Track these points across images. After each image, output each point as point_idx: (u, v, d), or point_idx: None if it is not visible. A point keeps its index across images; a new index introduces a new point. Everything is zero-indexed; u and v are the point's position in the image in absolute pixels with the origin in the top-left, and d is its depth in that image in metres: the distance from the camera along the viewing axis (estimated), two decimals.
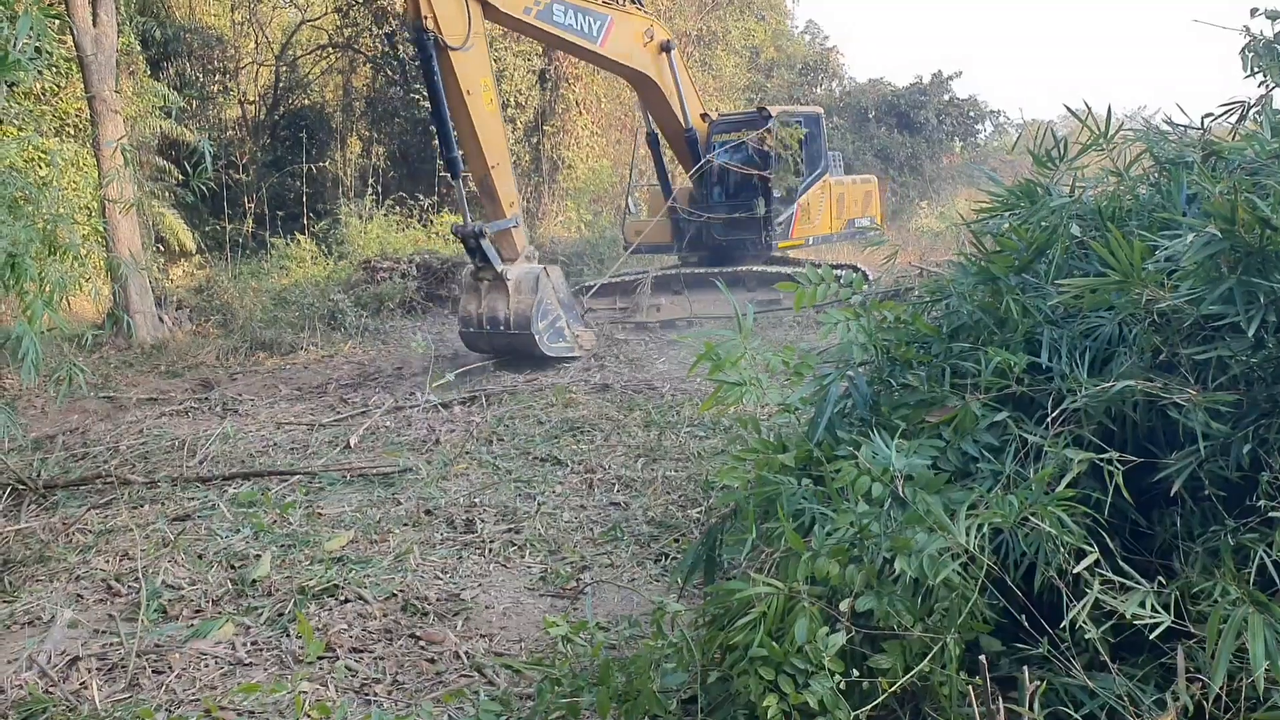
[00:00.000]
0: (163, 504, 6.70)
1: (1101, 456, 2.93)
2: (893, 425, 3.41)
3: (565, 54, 24.09)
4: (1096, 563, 2.76)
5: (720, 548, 3.99)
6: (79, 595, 5.23)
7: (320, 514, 6.43)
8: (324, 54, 26.96)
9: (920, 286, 4.56)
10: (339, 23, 26.01)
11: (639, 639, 4.30)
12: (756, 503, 3.50)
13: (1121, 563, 2.81)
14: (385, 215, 21.77)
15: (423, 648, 4.52)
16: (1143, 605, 2.65)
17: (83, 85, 14.45)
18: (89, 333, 8.67)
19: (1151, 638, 2.66)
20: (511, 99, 23.59)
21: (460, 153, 10.74)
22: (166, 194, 19.47)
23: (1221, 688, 2.53)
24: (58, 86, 17.34)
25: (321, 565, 5.44)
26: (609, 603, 4.98)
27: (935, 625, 2.89)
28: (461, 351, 13.13)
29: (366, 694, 4.12)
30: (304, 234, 21.31)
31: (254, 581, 5.24)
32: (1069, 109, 3.97)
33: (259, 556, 5.57)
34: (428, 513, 6.39)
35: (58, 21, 12.58)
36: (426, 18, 10.15)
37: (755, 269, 14.38)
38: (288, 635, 4.64)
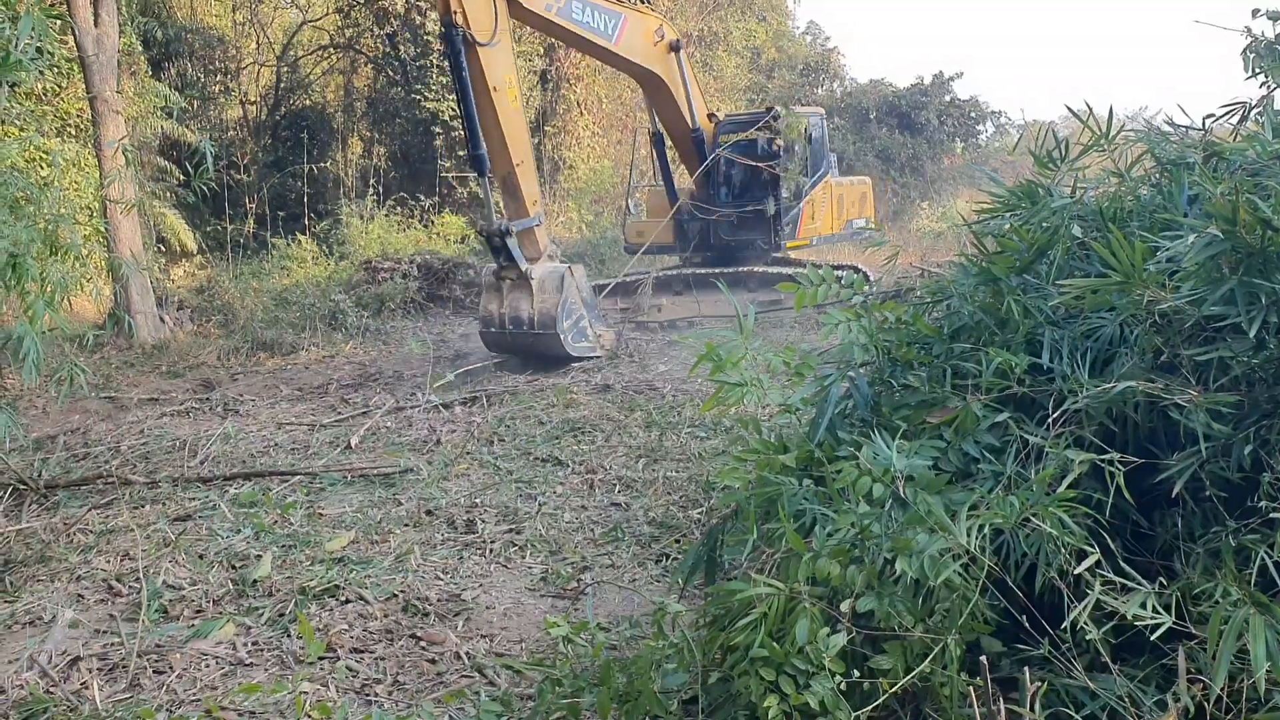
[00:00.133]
0: (164, 504, 6.71)
1: (1103, 457, 2.93)
2: (894, 426, 3.41)
3: (575, 54, 24.18)
4: (1097, 563, 2.75)
5: (721, 548, 3.99)
6: (80, 595, 5.23)
7: (321, 514, 6.43)
8: (325, 54, 26.98)
9: (921, 287, 4.55)
10: (340, 23, 26.03)
11: (640, 639, 4.30)
12: (757, 503, 3.50)
13: (1123, 564, 2.81)
14: (386, 216, 21.79)
15: (424, 648, 4.53)
16: (1144, 606, 2.65)
17: (84, 85, 14.44)
18: (90, 333, 8.68)
19: (1152, 639, 2.66)
20: None
21: (485, 150, 10.67)
22: (168, 194, 19.47)
23: (1222, 689, 2.53)
24: (59, 87, 17.34)
25: (322, 566, 5.45)
26: (610, 603, 4.98)
27: (936, 626, 2.89)
28: (463, 351, 13.14)
29: (367, 694, 4.12)
30: (305, 234, 21.32)
31: (255, 582, 5.24)
32: (1070, 110, 3.97)
33: (260, 557, 5.57)
34: (429, 513, 6.39)
35: (59, 22, 12.55)
36: (456, 13, 10.12)
37: (757, 269, 14.40)
38: (289, 635, 4.65)
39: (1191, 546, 2.96)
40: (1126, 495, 2.92)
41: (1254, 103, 4.06)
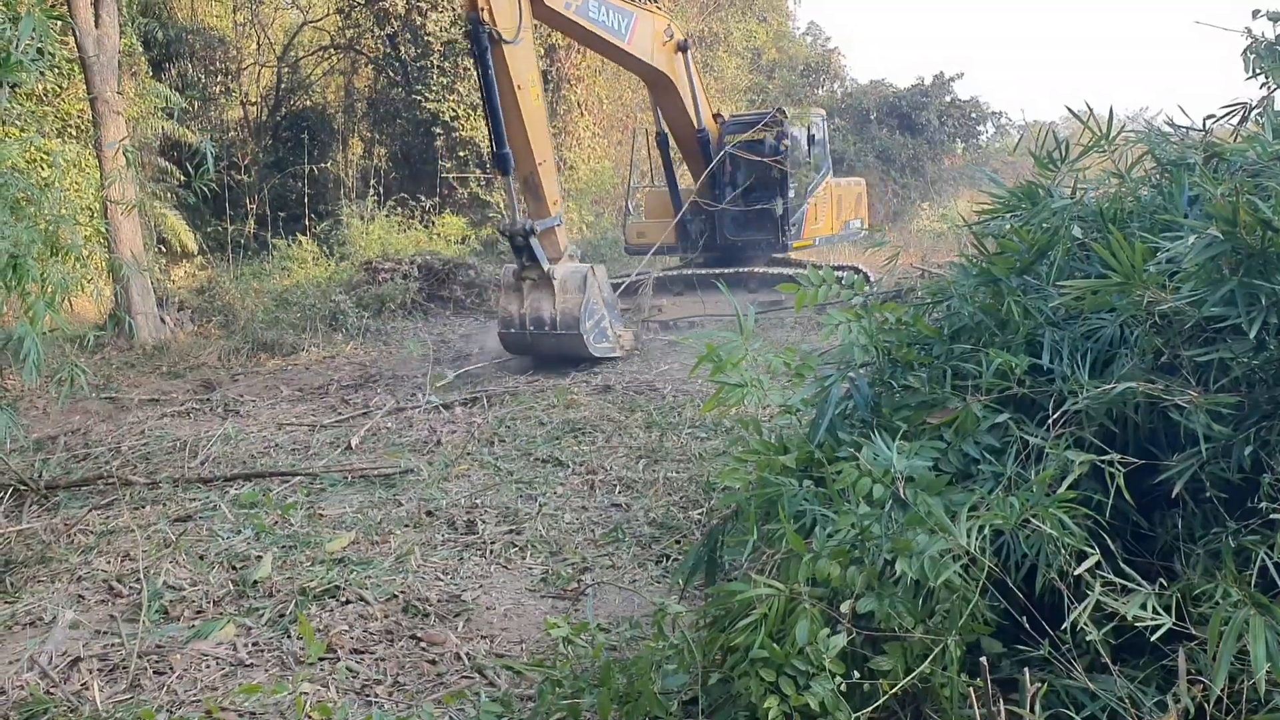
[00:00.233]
0: (164, 505, 6.71)
1: (1103, 458, 2.93)
2: (894, 427, 3.41)
3: (576, 55, 24.21)
4: (1098, 564, 2.75)
5: (721, 549, 3.99)
6: (80, 596, 5.23)
7: (321, 515, 6.44)
8: (326, 55, 27.00)
9: (921, 288, 4.56)
10: (341, 24, 26.05)
11: (640, 640, 4.30)
12: (758, 504, 3.50)
13: (1123, 564, 2.81)
14: (387, 216, 21.79)
15: (424, 649, 4.53)
16: (1144, 607, 2.65)
17: (85, 86, 14.44)
18: (91, 334, 8.68)
19: (1153, 640, 2.66)
20: None
21: (509, 149, 10.59)
22: (168, 195, 19.48)
23: (1223, 690, 2.53)
24: (60, 88, 17.35)
25: (323, 566, 5.45)
26: (610, 604, 4.98)
27: (936, 627, 2.89)
28: (463, 352, 13.14)
29: (367, 695, 4.12)
30: (305, 235, 21.32)
31: (255, 582, 5.24)
32: (1070, 110, 3.97)
33: (260, 557, 5.57)
34: (429, 514, 6.39)
35: (60, 23, 12.56)
36: (482, 9, 10.09)
37: (758, 270, 14.41)
38: (289, 636, 4.65)
39: (1192, 547, 2.96)
40: (1127, 496, 2.92)
41: (1254, 104, 4.06)
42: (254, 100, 26.17)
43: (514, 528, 6.09)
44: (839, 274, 4.11)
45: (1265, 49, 4.22)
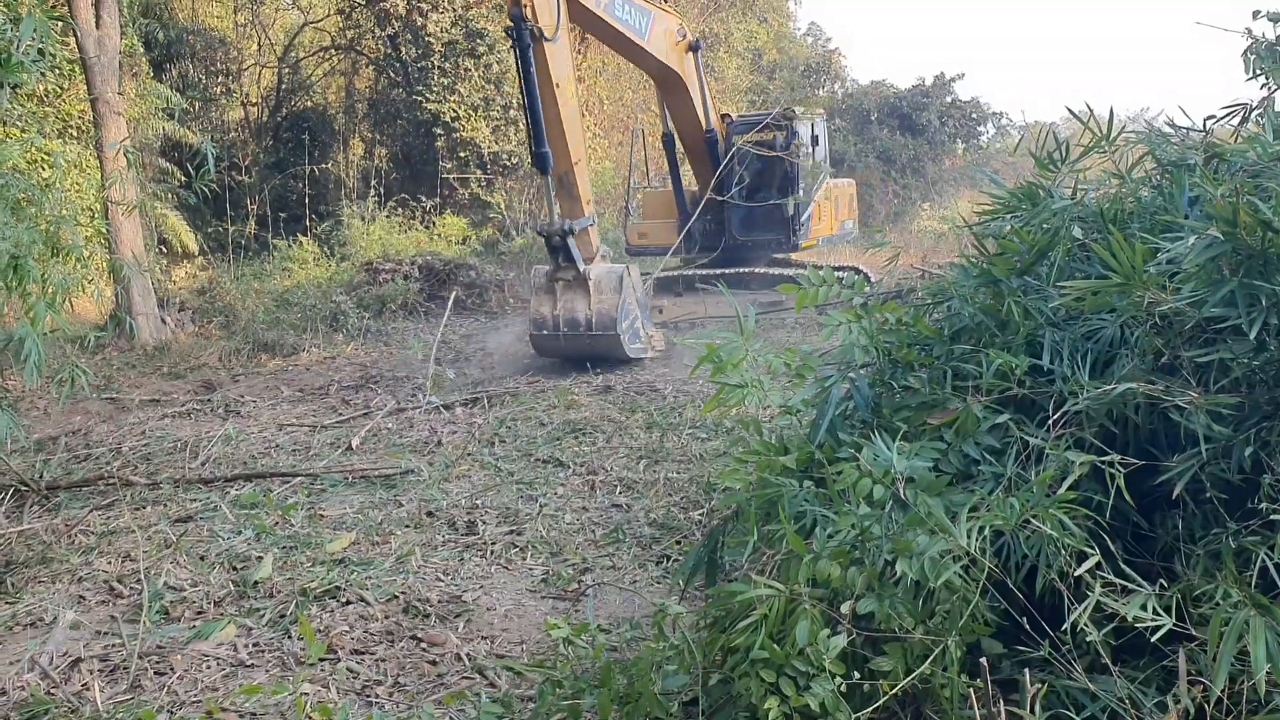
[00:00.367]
0: (165, 505, 6.71)
1: (1103, 459, 2.93)
2: (894, 427, 3.41)
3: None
4: (1098, 565, 2.75)
5: (722, 550, 3.99)
6: (81, 597, 5.23)
7: (322, 516, 6.44)
8: (326, 56, 27.00)
9: (922, 289, 4.56)
10: (341, 25, 26.05)
11: (640, 641, 4.30)
12: (758, 505, 3.50)
13: (1123, 565, 2.81)
14: (387, 217, 21.79)
15: (424, 649, 4.53)
16: (1144, 608, 2.65)
17: (86, 87, 14.44)
18: (91, 334, 8.67)
19: (1153, 640, 2.66)
20: (515, 100, 23.58)
21: (548, 148, 10.51)
22: (169, 196, 19.48)
23: (1223, 690, 2.53)
24: (61, 88, 17.36)
25: (323, 567, 5.45)
26: (610, 605, 4.98)
27: (936, 628, 2.89)
28: (464, 353, 13.14)
29: (368, 696, 4.12)
30: (306, 235, 21.32)
31: (256, 583, 5.24)
32: (1071, 111, 3.97)
33: (261, 558, 5.58)
34: (429, 514, 6.40)
35: (61, 24, 12.57)
36: (525, 6, 10.05)
37: (758, 271, 14.42)
38: (289, 637, 4.65)
39: (1192, 548, 2.96)
40: (1127, 497, 2.92)
41: (1255, 104, 4.06)
42: (255, 101, 26.18)
43: (514, 528, 6.09)
44: (839, 274, 4.12)
45: (1265, 50, 4.21)
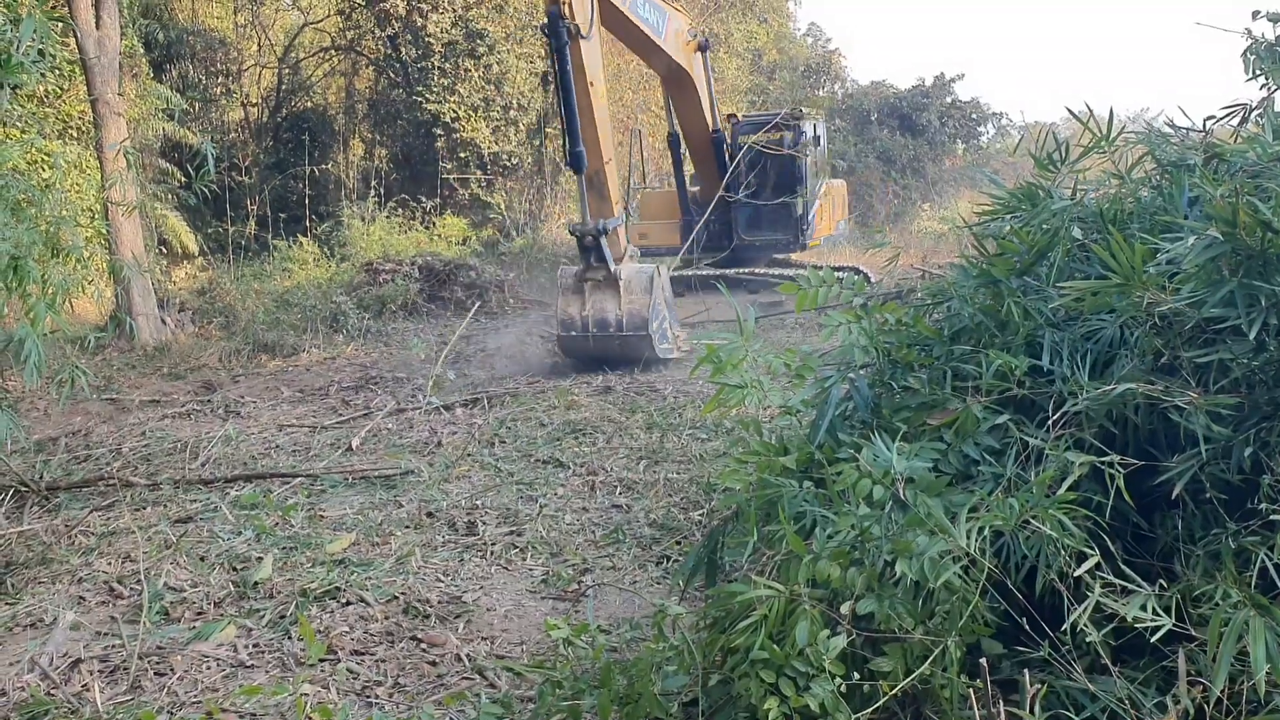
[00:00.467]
0: (165, 506, 6.71)
1: (1103, 459, 2.93)
2: (894, 428, 3.41)
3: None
4: (1098, 566, 2.75)
5: (722, 550, 3.99)
6: (81, 597, 5.23)
7: (322, 516, 6.44)
8: (326, 56, 27.00)
9: (922, 289, 4.55)
10: (341, 25, 26.05)
11: (640, 642, 4.30)
12: (758, 505, 3.50)
13: (1123, 565, 2.81)
14: (387, 217, 21.80)
15: (424, 650, 4.53)
16: (1144, 608, 2.65)
17: (86, 88, 14.44)
18: (91, 335, 8.67)
19: (1153, 641, 2.66)
20: (515, 101, 23.61)
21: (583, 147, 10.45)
22: (169, 196, 19.49)
23: (1222, 691, 2.53)
24: (61, 89, 17.35)
25: (323, 567, 5.45)
26: (610, 605, 4.98)
27: (936, 628, 2.89)
28: (465, 354, 13.14)
29: (368, 696, 4.13)
30: (306, 236, 21.32)
31: (256, 584, 5.24)
32: (1071, 111, 3.97)
33: (261, 559, 5.58)
34: (429, 515, 6.40)
35: (61, 24, 12.57)
36: (563, 3, 10.02)
37: (758, 271, 14.43)
38: (289, 637, 4.65)
39: (1191, 548, 2.96)
40: (1126, 497, 2.92)
41: (1254, 104, 4.06)
42: (255, 101, 26.18)
43: (514, 529, 6.09)
44: (839, 275, 4.12)
45: (1265, 50, 4.21)
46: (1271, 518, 2.74)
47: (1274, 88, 4.09)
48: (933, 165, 30.41)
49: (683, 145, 14.82)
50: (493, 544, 5.83)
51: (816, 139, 15.56)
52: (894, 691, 2.84)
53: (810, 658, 2.84)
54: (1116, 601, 2.69)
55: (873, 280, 11.54)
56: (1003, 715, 2.69)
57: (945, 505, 2.94)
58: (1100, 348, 3.25)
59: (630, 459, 7.47)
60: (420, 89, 23.30)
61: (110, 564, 5.65)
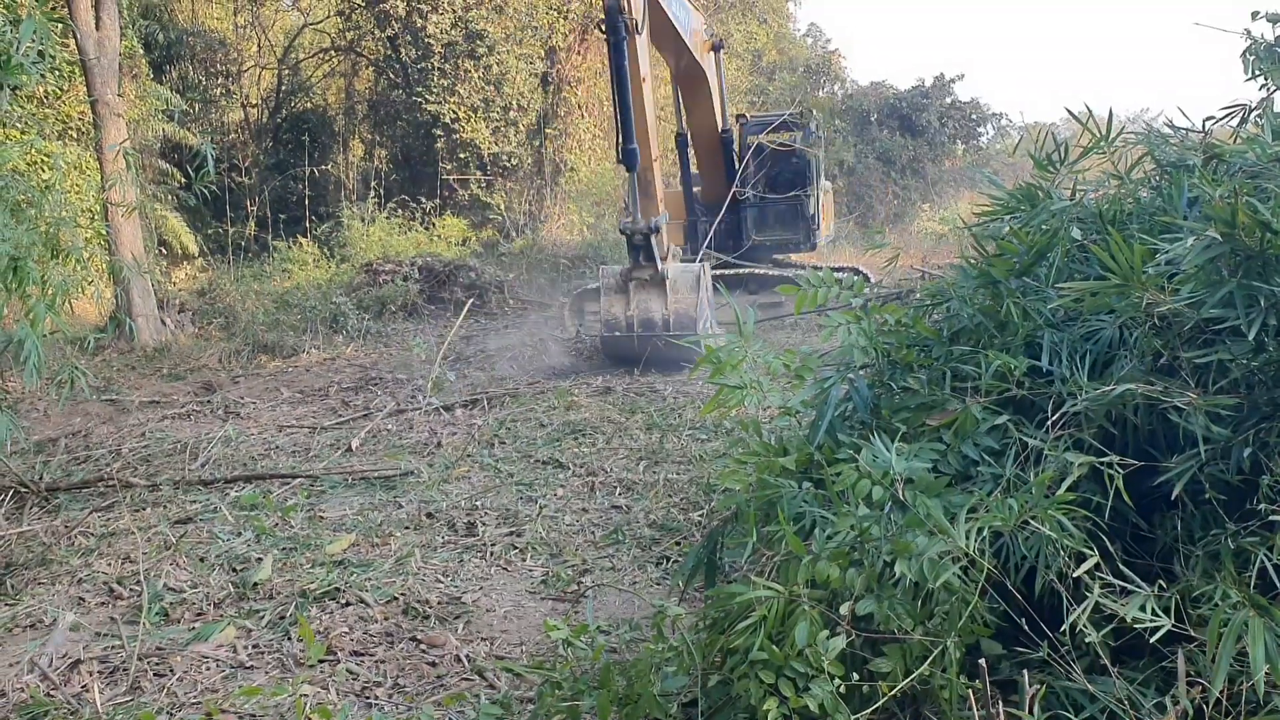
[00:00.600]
0: (165, 507, 6.71)
1: (1102, 460, 2.93)
2: (893, 428, 3.41)
3: (575, 56, 24.25)
4: (1097, 566, 2.75)
5: (721, 551, 3.99)
6: (81, 598, 5.23)
7: (322, 517, 6.44)
8: (326, 57, 27.03)
9: (921, 290, 4.56)
10: (341, 26, 26.08)
11: (640, 642, 4.30)
12: (757, 506, 3.50)
13: (1122, 566, 2.81)
14: (387, 218, 21.81)
15: (424, 651, 4.53)
16: (1143, 609, 2.65)
17: (85, 89, 14.45)
18: (91, 336, 8.67)
19: (1152, 641, 2.65)
20: (514, 102, 23.62)
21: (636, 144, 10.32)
22: (169, 197, 19.50)
23: (1222, 691, 2.53)
24: (60, 90, 17.36)
25: (323, 568, 5.45)
26: (610, 606, 4.98)
27: (935, 629, 2.89)
28: (465, 354, 13.14)
29: (367, 697, 4.12)
30: (306, 237, 21.34)
31: (255, 584, 5.24)
32: (1070, 112, 3.97)
33: (260, 560, 5.58)
34: (429, 516, 6.39)
35: (60, 25, 12.59)
36: None
37: (758, 272, 14.42)
38: (289, 638, 4.65)
39: (1191, 549, 2.96)
40: (1126, 498, 2.91)
41: (1254, 105, 4.06)
42: (254, 102, 26.20)
43: (514, 530, 6.09)
44: (838, 275, 4.13)
45: (1264, 50, 4.22)
46: (1271, 518, 2.74)
47: (1273, 88, 4.09)
48: (932, 166, 30.44)
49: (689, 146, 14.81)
50: (492, 545, 5.83)
51: (820, 139, 15.64)
52: (893, 692, 2.84)
53: (809, 658, 2.84)
54: (1116, 602, 2.69)
55: (872, 281, 11.57)
56: (1002, 716, 2.69)
57: (944, 506, 2.94)
58: (1099, 348, 3.25)
59: (630, 460, 7.47)
60: (420, 90, 23.32)
61: (110, 565, 5.64)
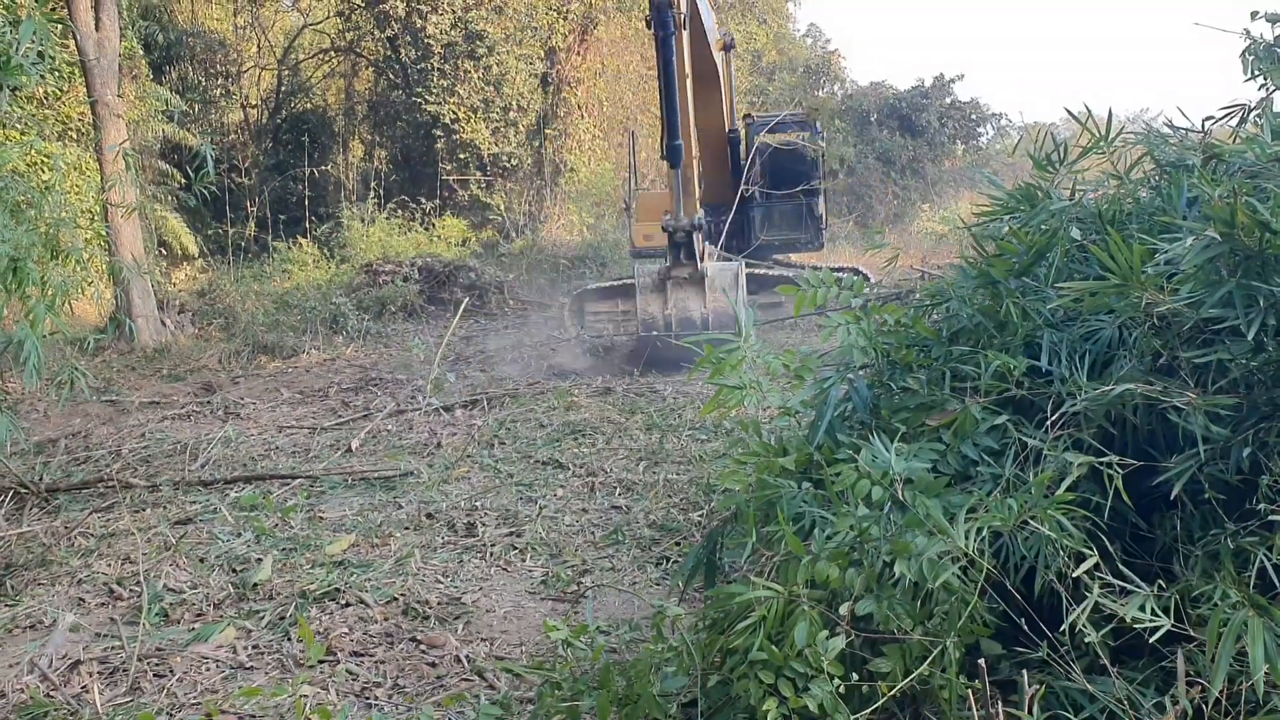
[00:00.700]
0: (164, 507, 6.71)
1: (1101, 460, 2.93)
2: (893, 428, 3.41)
3: (575, 56, 24.26)
4: (1096, 566, 2.75)
5: (721, 551, 4.00)
6: (80, 599, 5.23)
7: (321, 518, 6.44)
8: (326, 58, 27.05)
9: (921, 290, 4.56)
10: (341, 27, 26.10)
11: (639, 643, 4.30)
12: (757, 506, 3.50)
13: (1121, 566, 2.81)
14: (387, 218, 21.82)
15: (424, 651, 4.53)
16: (1143, 609, 2.65)
17: (85, 89, 14.46)
18: (91, 336, 8.68)
19: (1151, 641, 2.66)
20: (514, 102, 23.63)
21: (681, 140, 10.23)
22: (169, 198, 19.51)
23: (1221, 691, 2.53)
24: (60, 91, 17.37)
25: (323, 569, 5.45)
26: (610, 606, 4.98)
27: (935, 629, 2.89)
28: (465, 355, 13.14)
29: (367, 697, 4.12)
30: (306, 237, 21.35)
31: (255, 585, 5.24)
32: (1070, 112, 3.97)
33: (260, 560, 5.57)
34: (429, 516, 6.39)
35: (60, 26, 12.60)
36: None
37: (758, 272, 14.41)
38: (289, 639, 4.65)
39: (1190, 549, 2.96)
40: (1125, 498, 2.92)
41: (1253, 105, 4.06)
42: (254, 103, 26.21)
43: (514, 530, 6.09)
44: (838, 275, 4.13)
45: (1264, 50, 4.21)
46: (1270, 518, 2.74)
47: (1272, 88, 4.09)
48: (932, 166, 30.44)
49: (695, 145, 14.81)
50: (492, 545, 5.83)
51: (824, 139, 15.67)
52: (893, 692, 2.84)
53: (809, 658, 2.84)
54: (1115, 602, 2.69)
55: (872, 281, 11.56)
56: (1001, 716, 2.69)
57: (944, 506, 2.94)
58: (1099, 348, 3.25)
59: (630, 460, 7.47)
60: (420, 90, 23.33)
61: (110, 565, 5.64)
